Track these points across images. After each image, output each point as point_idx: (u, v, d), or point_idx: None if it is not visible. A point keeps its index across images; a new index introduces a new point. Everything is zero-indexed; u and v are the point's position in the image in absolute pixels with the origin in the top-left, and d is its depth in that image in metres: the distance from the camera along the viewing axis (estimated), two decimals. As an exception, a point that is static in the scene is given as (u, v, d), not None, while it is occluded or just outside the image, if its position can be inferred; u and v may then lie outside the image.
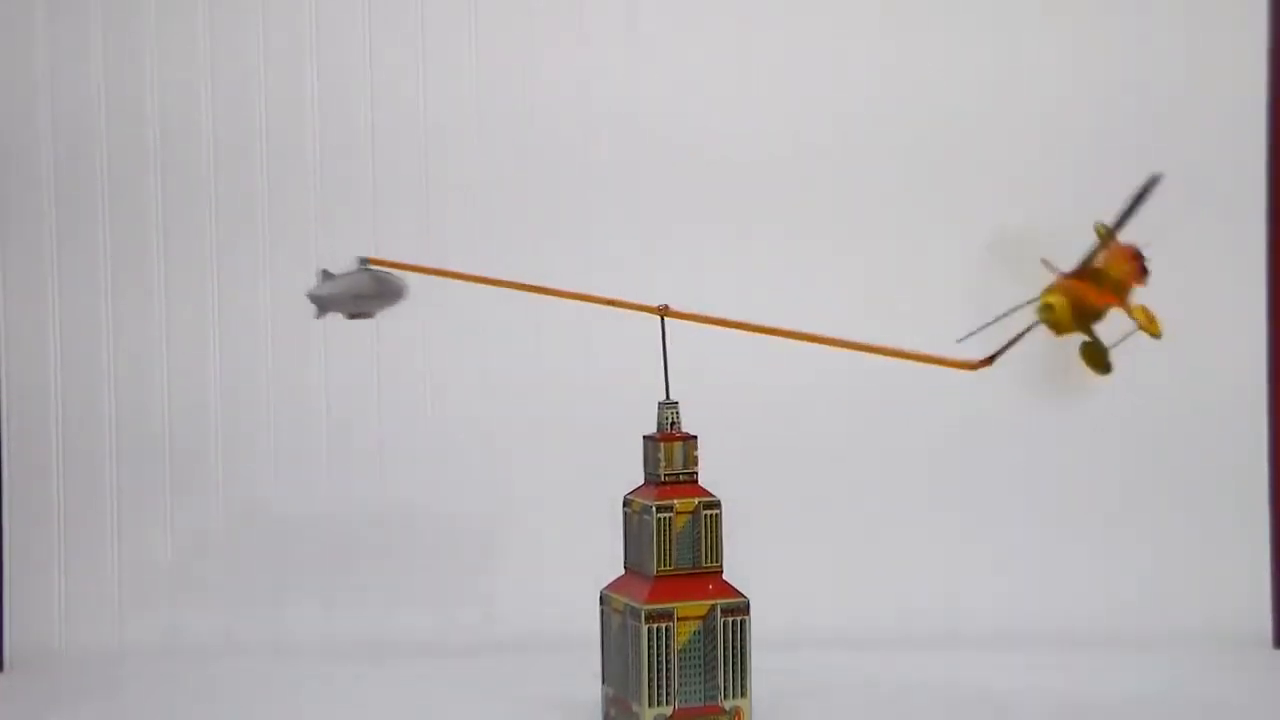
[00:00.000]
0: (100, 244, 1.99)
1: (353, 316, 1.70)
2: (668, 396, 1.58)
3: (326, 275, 1.69)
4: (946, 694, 1.72)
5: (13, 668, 1.90)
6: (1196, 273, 1.99)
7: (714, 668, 1.53)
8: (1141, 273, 1.47)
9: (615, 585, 1.59)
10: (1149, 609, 1.97)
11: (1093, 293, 1.38)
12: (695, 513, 1.55)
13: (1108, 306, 1.38)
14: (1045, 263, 1.37)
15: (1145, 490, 2.00)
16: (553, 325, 1.96)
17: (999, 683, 1.75)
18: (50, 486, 1.99)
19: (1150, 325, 1.37)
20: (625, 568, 1.60)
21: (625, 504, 1.60)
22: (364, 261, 1.69)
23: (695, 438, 1.57)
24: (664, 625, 1.52)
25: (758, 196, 2.00)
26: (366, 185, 2.00)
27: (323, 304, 1.68)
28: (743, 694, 1.54)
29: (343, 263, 1.98)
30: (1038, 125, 2.00)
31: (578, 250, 1.96)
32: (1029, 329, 1.38)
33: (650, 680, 1.51)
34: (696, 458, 1.57)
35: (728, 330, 1.55)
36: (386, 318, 1.99)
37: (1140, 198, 1.36)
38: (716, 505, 1.56)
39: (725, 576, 1.55)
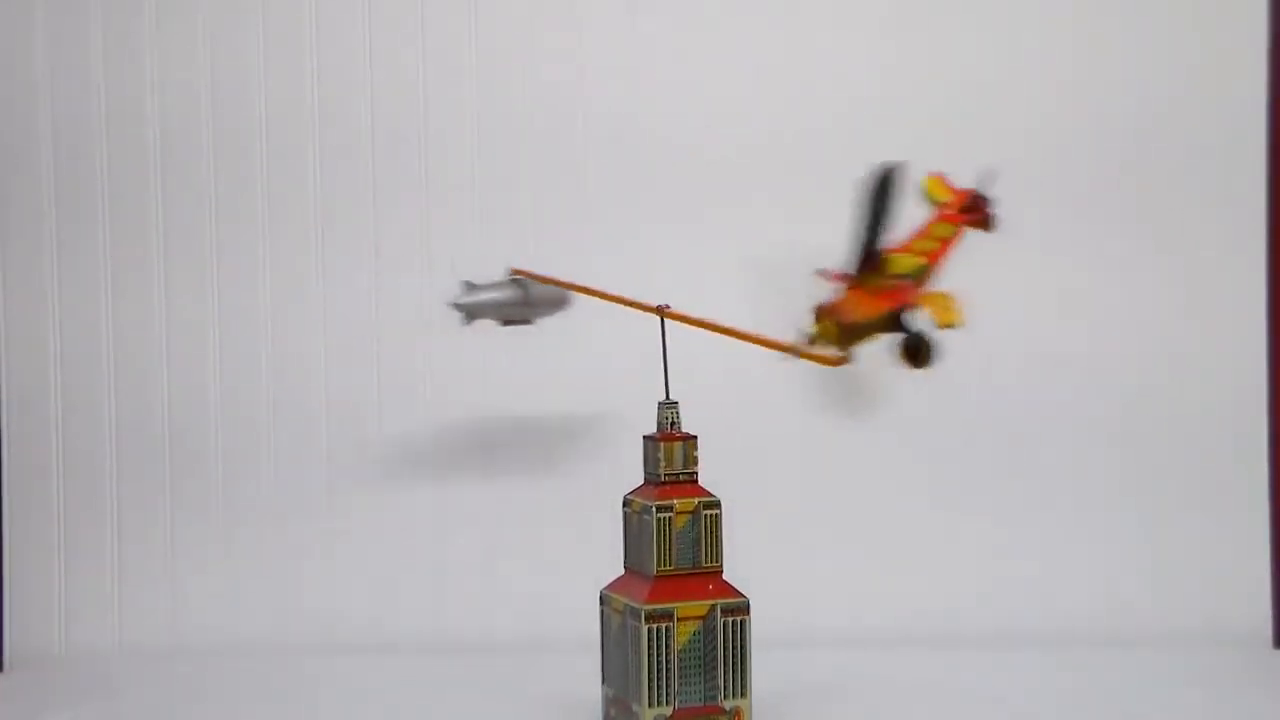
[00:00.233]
0: (100, 244, 1.99)
1: (508, 323, 1.75)
2: (668, 396, 1.58)
3: (470, 286, 1.71)
4: (946, 694, 1.72)
5: (13, 668, 1.90)
6: (1196, 272, 1.99)
7: (714, 668, 1.53)
8: (985, 220, 1.38)
9: (615, 585, 1.59)
10: (1149, 608, 1.97)
11: (865, 303, 1.32)
12: (695, 513, 1.55)
13: (884, 314, 1.32)
14: (820, 273, 1.34)
15: (1145, 490, 2.00)
16: (553, 325, 1.95)
17: (999, 683, 1.75)
18: (50, 486, 1.99)
19: (945, 315, 1.26)
20: (625, 568, 1.60)
21: (625, 504, 1.60)
22: (513, 273, 1.74)
23: (695, 438, 1.57)
24: (664, 625, 1.52)
25: (758, 196, 2.00)
26: (367, 185, 2.00)
27: (470, 312, 1.71)
28: (743, 694, 1.54)
29: (343, 263, 2.00)
30: (1038, 125, 2.00)
31: (578, 250, 1.96)
32: (814, 340, 1.36)
33: (650, 680, 1.51)
34: (696, 458, 1.57)
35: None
36: (387, 318, 2.01)
37: (882, 194, 1.28)
38: (716, 505, 1.55)
39: (725, 576, 1.55)
